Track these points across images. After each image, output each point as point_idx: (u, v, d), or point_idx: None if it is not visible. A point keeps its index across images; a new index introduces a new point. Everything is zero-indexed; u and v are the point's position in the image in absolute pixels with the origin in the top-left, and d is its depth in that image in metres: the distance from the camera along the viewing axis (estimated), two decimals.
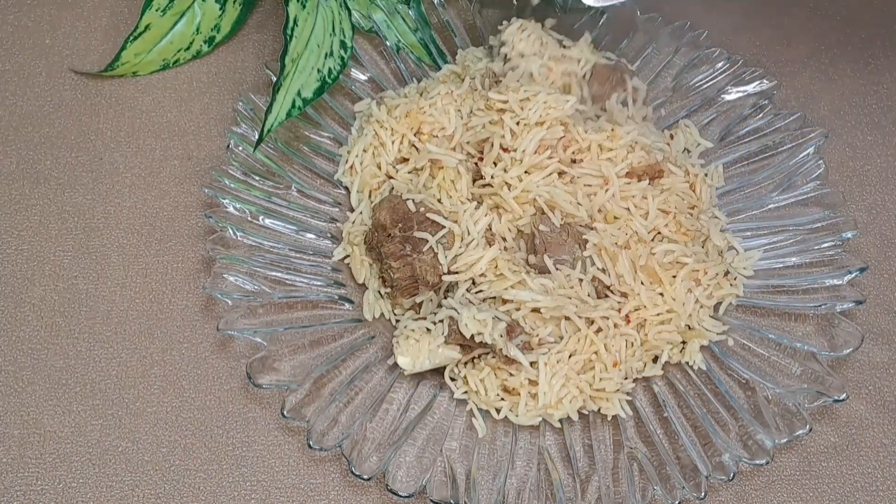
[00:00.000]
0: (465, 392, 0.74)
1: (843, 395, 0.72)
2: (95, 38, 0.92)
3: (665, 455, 0.71)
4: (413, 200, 0.76)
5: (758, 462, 0.70)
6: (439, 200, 0.77)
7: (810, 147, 0.83)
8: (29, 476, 0.72)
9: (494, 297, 0.74)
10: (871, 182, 0.87)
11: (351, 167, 0.82)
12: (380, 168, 0.81)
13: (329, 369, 0.74)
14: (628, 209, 0.76)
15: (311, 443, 0.70)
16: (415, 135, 0.81)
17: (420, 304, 0.76)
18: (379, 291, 0.78)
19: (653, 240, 0.76)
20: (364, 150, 0.82)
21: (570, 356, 0.73)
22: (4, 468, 0.72)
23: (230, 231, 0.77)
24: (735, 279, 0.77)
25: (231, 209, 0.78)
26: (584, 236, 0.75)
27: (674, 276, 0.75)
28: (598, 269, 0.74)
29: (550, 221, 0.75)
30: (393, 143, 0.81)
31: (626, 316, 0.74)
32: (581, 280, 0.74)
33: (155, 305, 0.79)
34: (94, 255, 0.81)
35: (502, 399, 0.73)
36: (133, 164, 0.85)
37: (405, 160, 0.81)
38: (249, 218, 0.79)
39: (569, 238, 0.75)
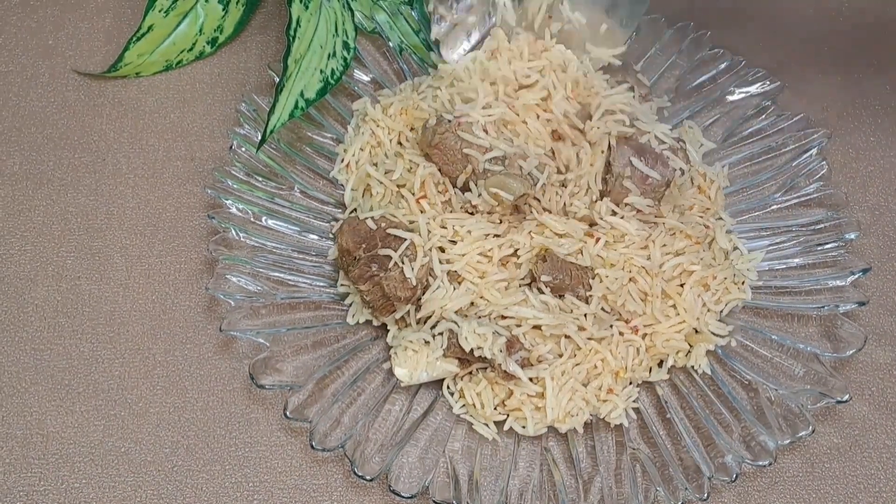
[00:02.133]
0: (464, 406, 0.73)
1: (846, 397, 0.72)
2: (98, 39, 0.93)
3: (668, 456, 0.71)
4: (372, 218, 0.75)
5: (761, 463, 0.70)
6: (422, 210, 0.76)
7: (813, 148, 0.83)
8: (32, 476, 0.72)
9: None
10: (874, 183, 0.87)
11: (347, 165, 0.82)
12: (376, 167, 0.81)
13: (331, 370, 0.74)
14: (628, 246, 0.76)
15: (313, 443, 0.70)
16: (410, 130, 0.81)
17: (404, 318, 0.75)
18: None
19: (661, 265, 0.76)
20: (361, 149, 0.82)
21: (574, 366, 0.72)
22: (7, 468, 0.72)
23: (233, 232, 0.77)
24: (743, 283, 0.77)
25: (234, 210, 0.78)
26: (588, 281, 0.74)
27: (681, 285, 0.75)
28: (604, 310, 0.74)
29: (553, 258, 0.74)
30: (390, 141, 0.81)
31: (635, 328, 0.74)
32: (586, 315, 0.73)
33: (158, 306, 0.79)
34: (96, 256, 0.81)
35: (501, 413, 0.73)
36: (136, 164, 0.85)
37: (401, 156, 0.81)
38: (252, 219, 0.79)
39: (572, 281, 0.74)
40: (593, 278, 0.74)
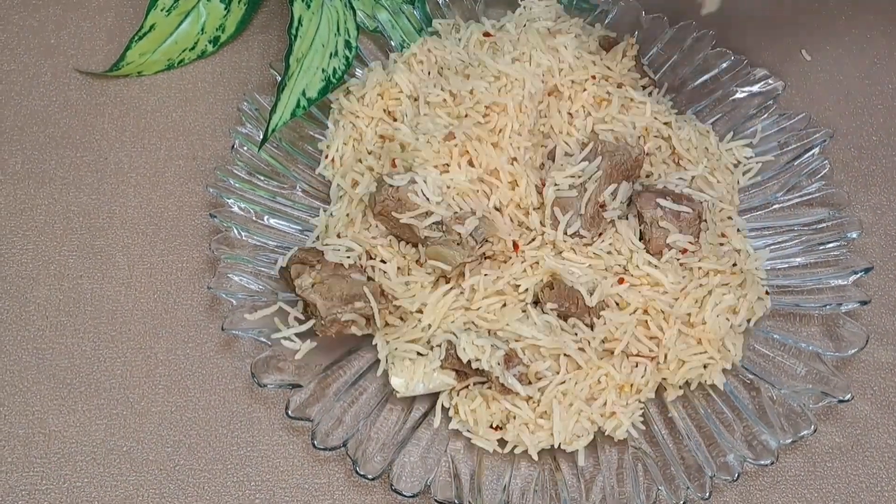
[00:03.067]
0: (460, 422, 0.72)
1: (848, 396, 0.72)
2: (100, 38, 0.93)
3: (670, 455, 0.71)
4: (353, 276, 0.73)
5: (762, 462, 0.70)
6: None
7: (815, 147, 0.83)
8: (34, 475, 0.72)
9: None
10: (876, 182, 0.87)
11: (332, 161, 0.82)
12: (361, 162, 0.80)
13: (333, 369, 0.74)
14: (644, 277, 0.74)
15: (315, 442, 0.70)
16: (387, 114, 0.81)
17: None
18: None
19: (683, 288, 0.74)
20: (344, 143, 0.81)
21: (576, 384, 0.71)
22: (9, 468, 0.72)
23: (235, 231, 0.77)
24: (766, 293, 0.76)
25: (236, 209, 0.78)
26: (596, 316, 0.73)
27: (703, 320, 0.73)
28: (609, 338, 0.72)
29: (560, 286, 0.73)
30: (368, 126, 0.81)
31: (654, 358, 0.72)
32: (590, 342, 0.72)
33: (160, 305, 0.79)
34: (98, 255, 0.81)
35: (496, 429, 0.71)
36: (138, 163, 0.85)
37: (383, 138, 0.80)
38: (254, 217, 0.79)
39: (578, 310, 0.72)
40: (598, 318, 0.72)
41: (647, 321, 0.73)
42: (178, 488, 0.71)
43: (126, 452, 0.73)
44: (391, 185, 0.74)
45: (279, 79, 0.80)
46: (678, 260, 0.74)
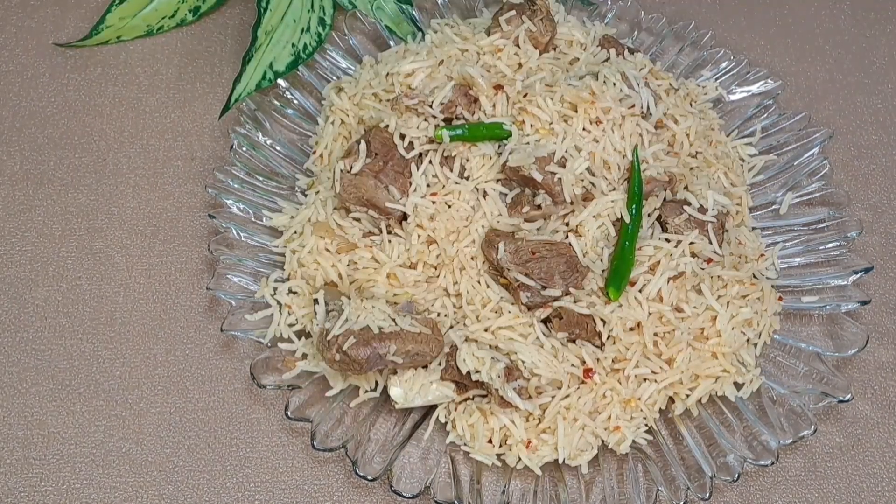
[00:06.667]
0: (457, 436, 0.71)
1: (849, 396, 0.72)
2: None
3: (670, 456, 0.71)
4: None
5: (763, 463, 0.70)
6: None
7: (815, 147, 0.83)
8: (33, 477, 0.72)
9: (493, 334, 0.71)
10: (876, 181, 0.87)
11: (321, 156, 0.81)
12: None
13: None
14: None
15: (314, 443, 0.70)
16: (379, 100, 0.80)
17: None
18: None
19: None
20: (333, 140, 0.81)
21: (579, 398, 0.70)
22: (8, 469, 0.72)
23: (233, 231, 0.77)
24: (780, 298, 0.75)
25: (234, 209, 0.78)
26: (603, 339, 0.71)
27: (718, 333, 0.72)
28: (619, 358, 0.71)
29: (569, 315, 0.71)
30: (359, 124, 0.80)
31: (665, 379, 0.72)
32: (598, 360, 0.71)
33: (158, 306, 0.79)
34: (97, 256, 0.81)
35: (497, 445, 0.70)
36: (136, 164, 0.85)
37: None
38: (253, 218, 0.78)
39: (588, 334, 0.71)
40: (607, 338, 0.71)
41: (656, 342, 0.71)
42: (178, 489, 0.71)
43: (125, 454, 0.73)
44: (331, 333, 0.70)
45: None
46: (703, 269, 0.73)
